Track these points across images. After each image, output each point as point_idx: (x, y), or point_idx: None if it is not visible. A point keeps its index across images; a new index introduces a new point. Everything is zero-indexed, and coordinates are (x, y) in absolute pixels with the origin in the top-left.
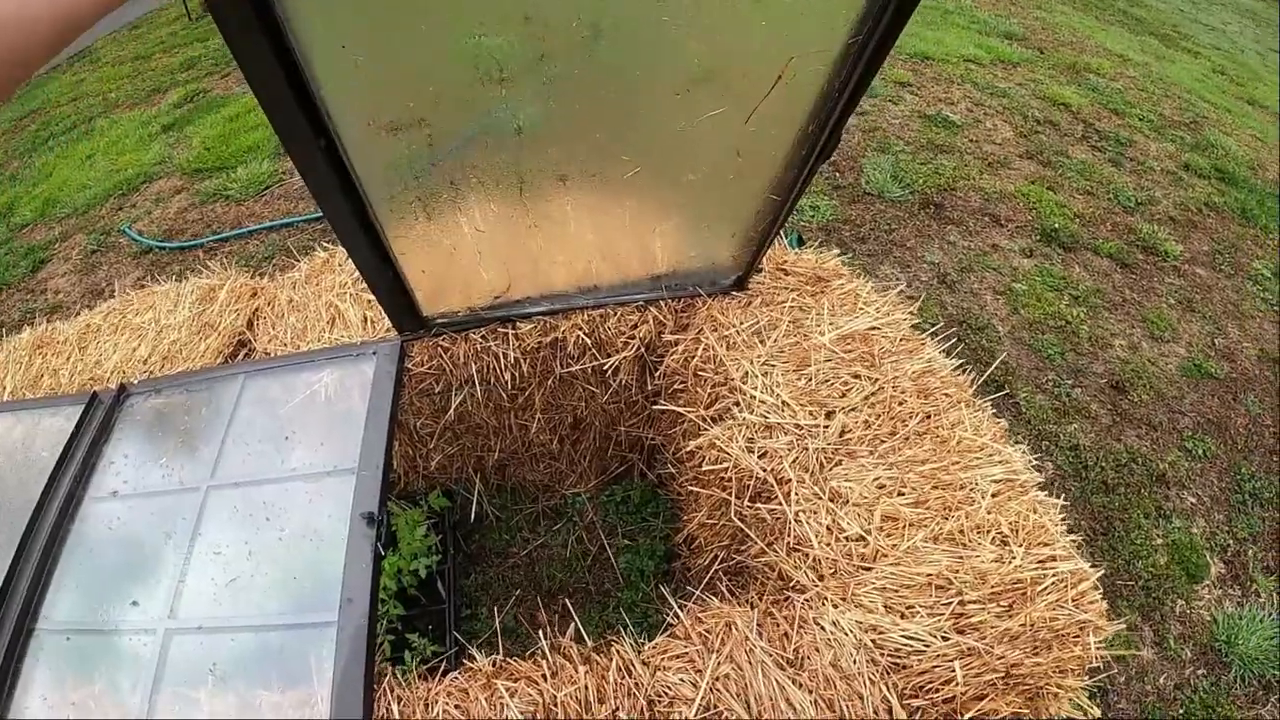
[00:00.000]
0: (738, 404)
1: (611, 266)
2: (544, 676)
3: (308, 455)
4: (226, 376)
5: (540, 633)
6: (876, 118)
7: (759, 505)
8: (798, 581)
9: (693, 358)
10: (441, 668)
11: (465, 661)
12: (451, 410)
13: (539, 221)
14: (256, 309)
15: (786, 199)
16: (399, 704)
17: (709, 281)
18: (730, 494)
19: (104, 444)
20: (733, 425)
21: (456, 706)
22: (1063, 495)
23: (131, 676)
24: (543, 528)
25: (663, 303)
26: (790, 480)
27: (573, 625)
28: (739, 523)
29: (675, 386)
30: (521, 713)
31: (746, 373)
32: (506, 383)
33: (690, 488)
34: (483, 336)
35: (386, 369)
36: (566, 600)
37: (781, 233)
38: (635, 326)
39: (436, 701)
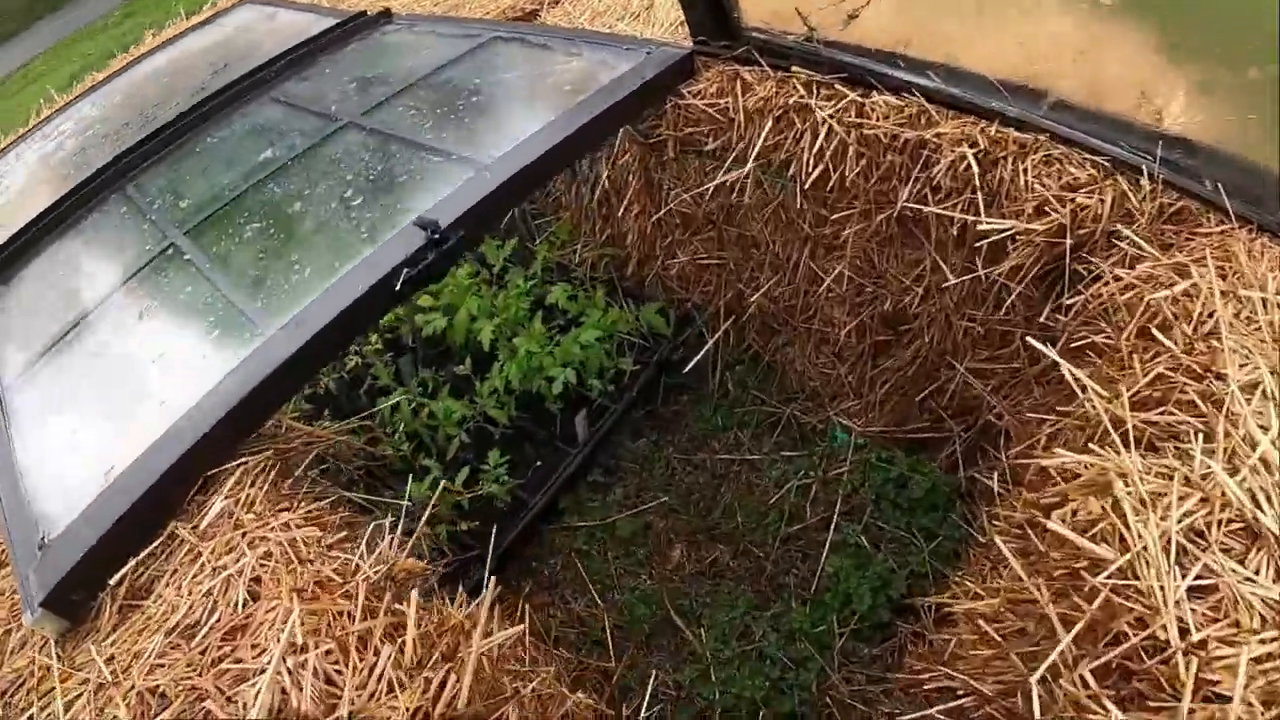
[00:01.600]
0: (1204, 428)
1: (1083, 75)
2: None
3: (460, 133)
4: (475, 34)
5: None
6: None
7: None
8: None
9: (1155, 308)
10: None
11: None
12: (714, 189)
13: None
14: None
15: None
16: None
17: (1254, 195)
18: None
19: (325, 54)
20: (1169, 471)
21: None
22: None
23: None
24: (767, 443)
25: (1146, 179)
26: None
27: None
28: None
29: (1094, 338)
30: None
31: (1253, 379)
32: (810, 180)
33: (1004, 540)
34: (808, 86)
35: (642, 74)
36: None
37: None
38: (1073, 190)
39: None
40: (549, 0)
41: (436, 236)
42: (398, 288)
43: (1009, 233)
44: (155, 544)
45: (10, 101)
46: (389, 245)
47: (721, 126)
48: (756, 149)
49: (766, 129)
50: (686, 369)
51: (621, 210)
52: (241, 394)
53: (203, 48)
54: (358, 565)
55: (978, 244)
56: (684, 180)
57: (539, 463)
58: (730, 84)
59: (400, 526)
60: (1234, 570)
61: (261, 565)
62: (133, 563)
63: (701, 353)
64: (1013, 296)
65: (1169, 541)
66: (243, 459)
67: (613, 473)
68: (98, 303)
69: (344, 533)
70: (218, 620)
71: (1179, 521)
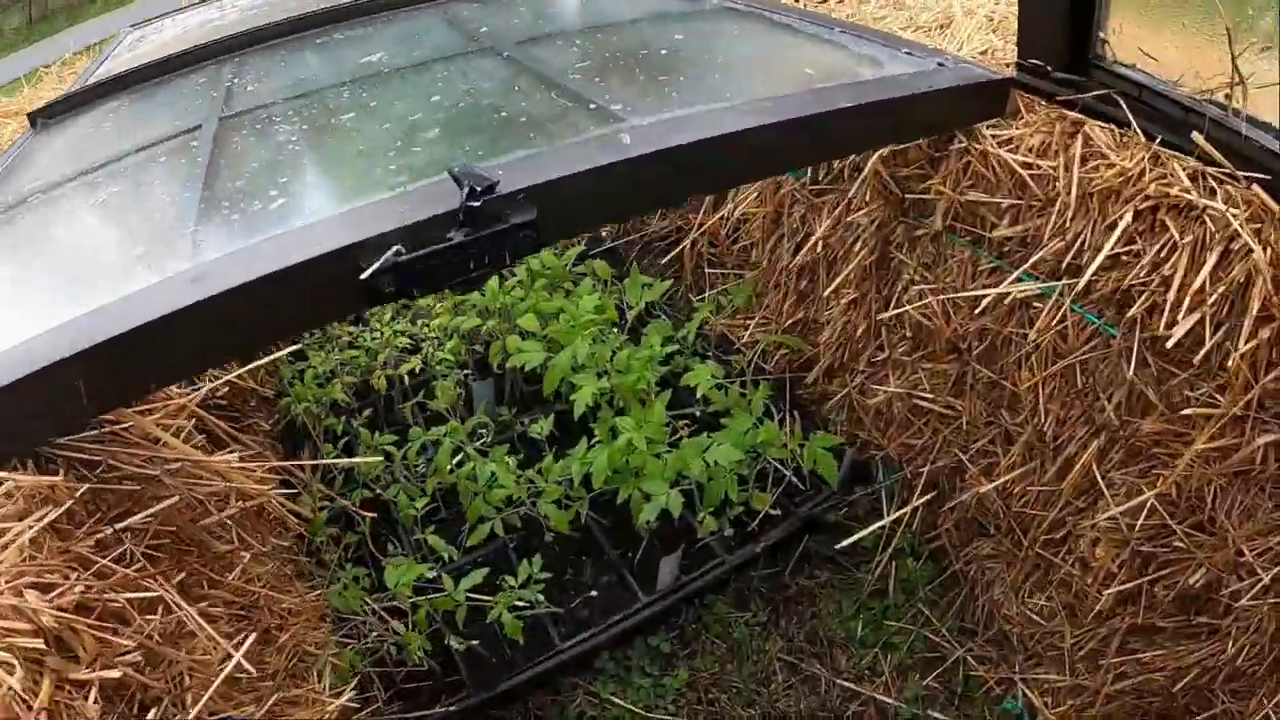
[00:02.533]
0: None
1: None
2: None
3: (629, 90)
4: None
5: None
6: None
7: None
8: None
9: None
10: None
11: None
12: (988, 303)
13: None
14: None
15: None
16: None
17: None
18: None
19: None
20: None
21: None
22: None
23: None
24: (914, 684)
25: None
26: None
27: None
28: None
29: None
30: None
31: None
32: (1174, 335)
33: None
34: (1196, 178)
35: (931, 81)
36: None
37: None
38: None
39: None
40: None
41: (478, 204)
42: (365, 275)
43: None
44: None
45: None
46: (388, 205)
47: (1031, 202)
48: (1092, 258)
49: (1119, 229)
50: (844, 543)
51: (829, 290)
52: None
53: None
54: None
55: None
56: (938, 272)
57: (594, 592)
58: (1064, 140)
59: None
60: None
61: None
62: None
63: (872, 528)
64: None
65: None
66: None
67: (687, 643)
68: (84, 170)
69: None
70: None
71: None
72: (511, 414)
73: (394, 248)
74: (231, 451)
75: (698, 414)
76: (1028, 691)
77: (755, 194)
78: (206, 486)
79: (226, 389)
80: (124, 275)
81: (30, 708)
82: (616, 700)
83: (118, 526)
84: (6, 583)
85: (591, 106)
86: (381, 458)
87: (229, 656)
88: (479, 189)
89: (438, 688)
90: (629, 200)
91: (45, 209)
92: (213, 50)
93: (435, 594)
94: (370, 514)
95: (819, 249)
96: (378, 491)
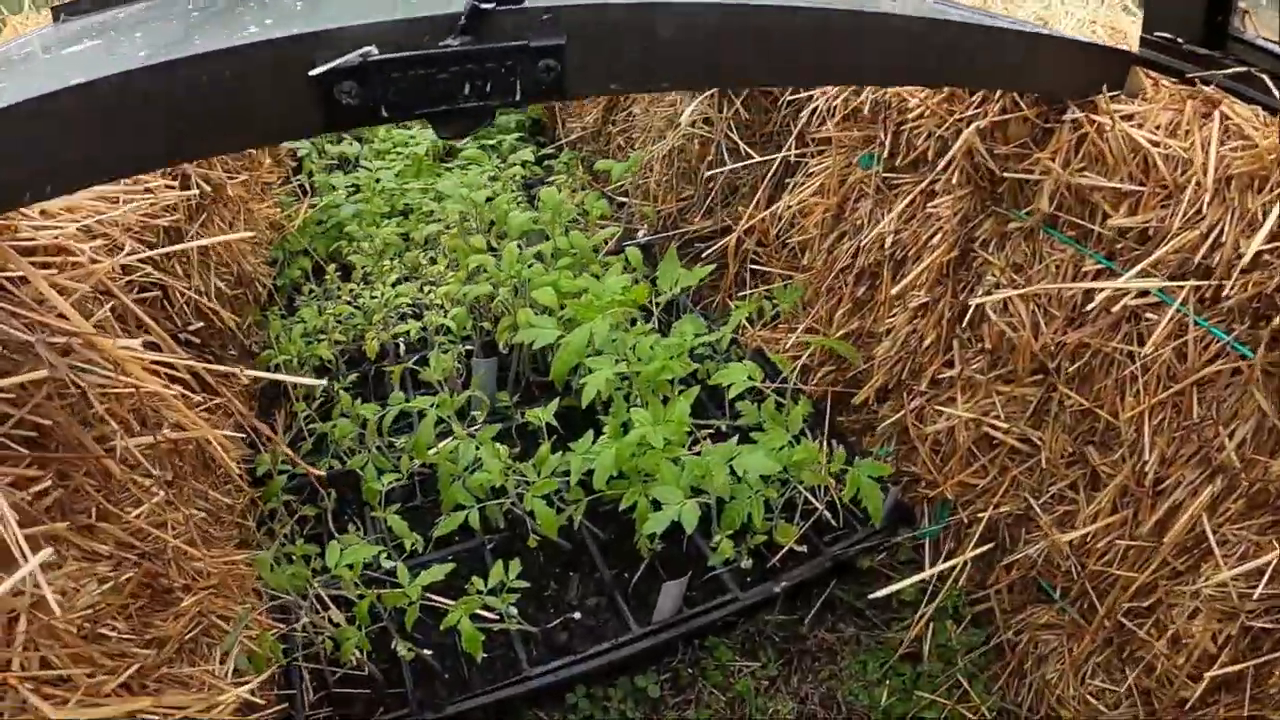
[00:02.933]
0: None
1: None
2: None
3: None
4: None
5: None
6: None
7: None
8: None
9: None
10: None
11: None
12: (1096, 308)
13: None
14: None
15: None
16: None
17: None
18: None
19: None
20: None
21: None
22: None
23: None
24: None
25: None
26: None
27: None
28: None
29: None
30: None
31: None
32: None
33: None
34: None
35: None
36: None
37: None
38: None
39: None
40: None
41: (490, 5)
42: (316, 71)
43: None
44: None
45: None
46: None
47: (1156, 188)
48: (1228, 257)
49: (1268, 223)
50: (877, 594)
51: (895, 290)
52: None
53: None
54: None
55: None
56: (1030, 274)
57: (578, 614)
58: (1198, 119)
59: None
60: None
61: None
62: None
63: (912, 579)
64: None
65: None
66: None
67: (681, 689)
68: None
69: None
70: None
71: None
72: (513, 401)
73: (366, 48)
74: (145, 343)
75: (724, 427)
76: None
77: (816, 185)
78: (100, 380)
79: (201, 325)
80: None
81: None
82: None
83: None
84: None
85: None
86: (345, 420)
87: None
88: None
89: (376, 698)
90: (687, 60)
91: (43, 58)
92: None
93: (388, 587)
94: (331, 489)
95: (886, 245)
96: (346, 463)
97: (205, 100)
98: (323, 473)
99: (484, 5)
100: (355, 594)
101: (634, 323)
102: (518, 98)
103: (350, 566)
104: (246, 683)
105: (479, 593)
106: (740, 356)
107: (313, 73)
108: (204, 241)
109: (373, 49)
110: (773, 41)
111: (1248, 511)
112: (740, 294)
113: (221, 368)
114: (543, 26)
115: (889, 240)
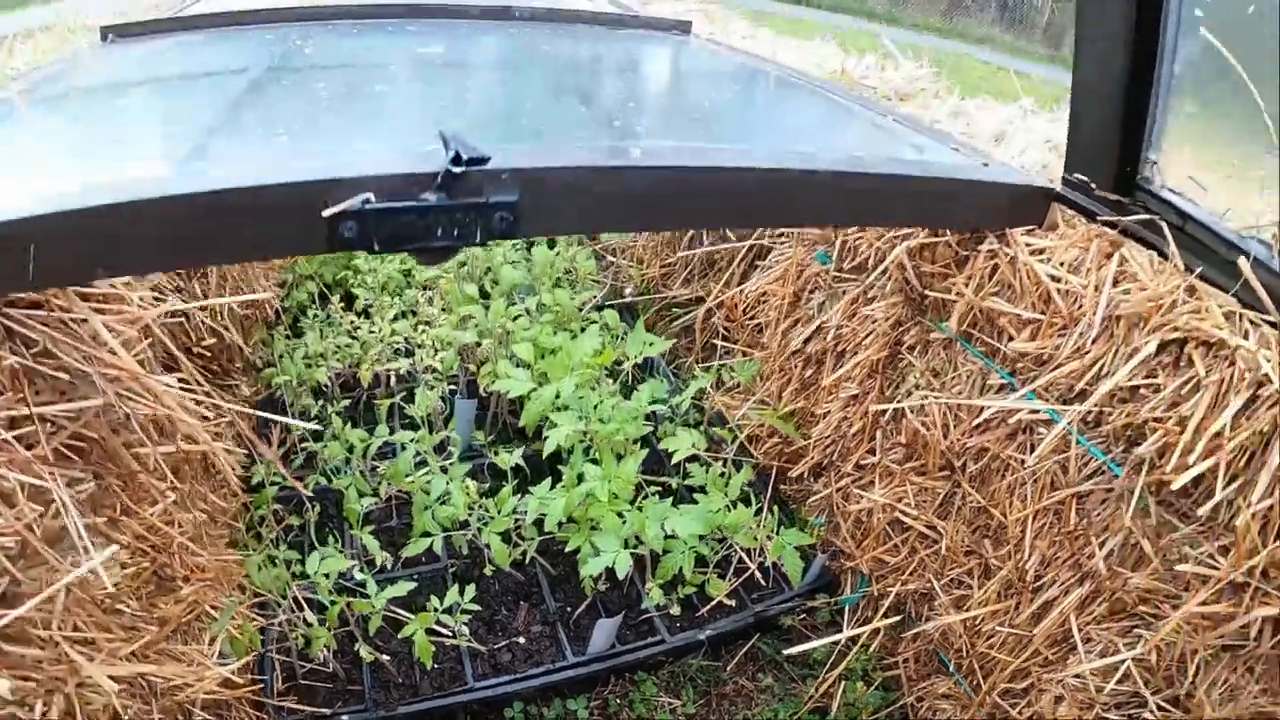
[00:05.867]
0: None
1: None
2: None
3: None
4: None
5: None
6: None
7: None
8: None
9: None
10: None
11: None
12: (990, 419)
13: None
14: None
15: None
16: None
17: None
18: None
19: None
20: None
21: None
22: None
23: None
24: None
25: None
26: None
27: None
28: None
29: None
30: None
31: None
32: (1179, 478)
33: None
34: (1232, 318)
35: (974, 173)
36: None
37: None
38: None
39: None
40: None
41: (459, 170)
42: (327, 213)
43: None
44: None
45: None
46: (373, 152)
47: (1054, 319)
48: (1104, 384)
49: (1140, 356)
50: (794, 649)
51: (830, 379)
52: None
53: None
54: None
55: None
56: (945, 380)
57: (521, 639)
58: (1099, 259)
59: None
60: None
61: None
62: None
63: (825, 640)
64: None
65: None
66: None
67: (607, 716)
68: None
69: None
70: None
71: None
72: (487, 440)
73: (365, 195)
74: (178, 378)
75: (674, 485)
76: None
77: (779, 273)
78: (140, 407)
79: (213, 341)
80: (108, 162)
81: None
82: None
83: (36, 410)
84: None
85: (615, 124)
86: (336, 442)
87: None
88: (465, 156)
89: (336, 691)
90: (619, 211)
91: (88, 99)
92: (286, 15)
93: (357, 596)
94: (316, 503)
95: (829, 337)
96: (332, 481)
97: (236, 226)
98: (310, 493)
99: (455, 170)
100: (328, 599)
101: (599, 381)
102: (478, 240)
103: (327, 575)
104: (228, 665)
105: (436, 610)
106: (697, 422)
107: (325, 214)
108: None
109: (371, 196)
110: (703, 197)
111: (1109, 615)
112: (707, 362)
113: (233, 406)
114: (501, 185)
115: (832, 333)
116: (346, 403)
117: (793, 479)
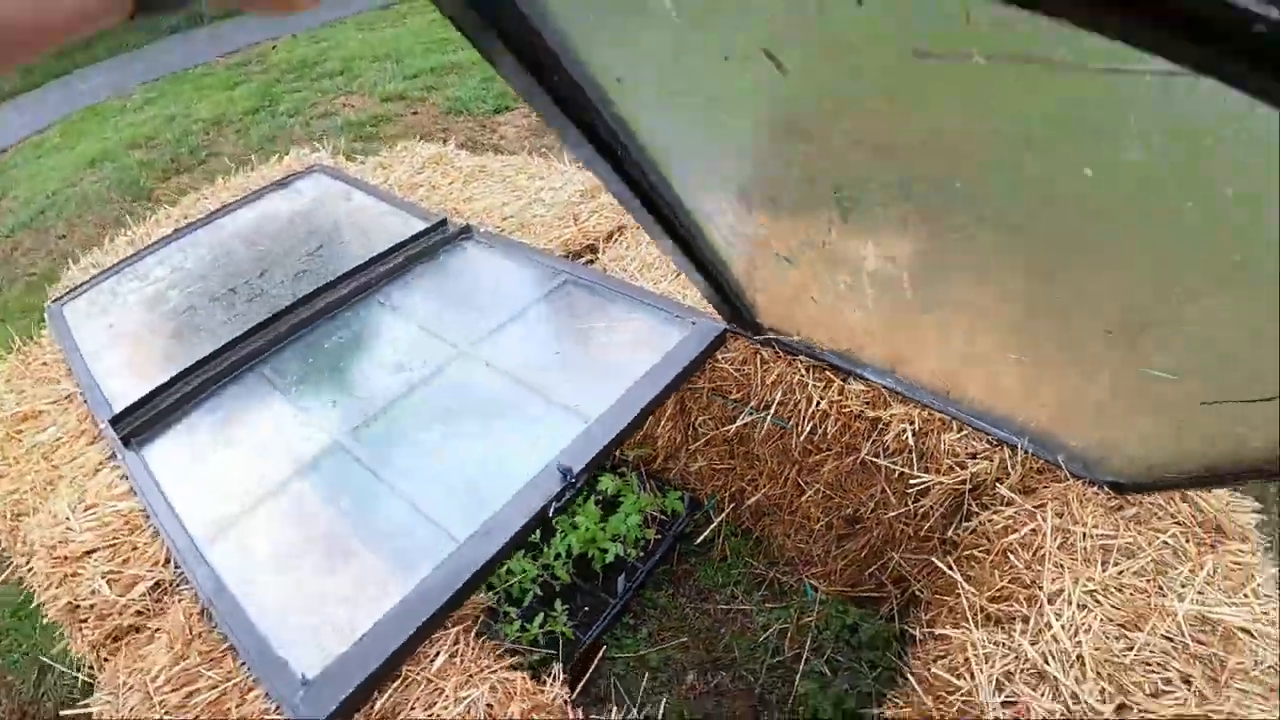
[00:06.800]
0: (1025, 620)
1: (982, 386)
2: None
3: (565, 382)
4: (552, 269)
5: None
6: None
7: None
8: None
9: (1013, 531)
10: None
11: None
12: (735, 426)
13: (925, 302)
14: (623, 225)
15: None
16: (444, 656)
17: (1081, 462)
18: None
19: (419, 262)
20: (1000, 644)
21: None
22: None
23: (281, 459)
24: (756, 596)
25: (1019, 449)
26: None
27: None
28: None
29: (975, 551)
30: None
31: (1063, 591)
32: (804, 433)
33: (917, 672)
34: (807, 370)
35: (693, 346)
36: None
37: None
38: (973, 456)
39: (476, 687)
40: (604, 238)
41: (572, 481)
42: (550, 515)
43: (929, 483)
44: (394, 684)
45: (24, 170)
46: (540, 481)
47: (743, 385)
48: (770, 405)
49: (779, 396)
50: (697, 541)
51: (659, 425)
52: (456, 585)
53: (287, 217)
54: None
55: (909, 488)
56: (710, 413)
57: (586, 608)
58: (753, 358)
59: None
60: (1030, 694)
61: (491, 693)
62: (381, 697)
63: (709, 529)
64: (932, 520)
65: (992, 683)
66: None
67: (640, 617)
68: (278, 487)
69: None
70: None
71: (1001, 672)
72: None
73: (553, 504)
74: None
75: (605, 498)
76: (810, 581)
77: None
78: None
79: None
80: (427, 551)
81: None
82: (618, 654)
83: None
84: None
85: (560, 407)
86: None
87: None
88: (567, 473)
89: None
90: (604, 457)
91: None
92: (239, 362)
93: None
94: None
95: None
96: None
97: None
98: None
99: (571, 481)
100: None
101: None
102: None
103: None
104: None
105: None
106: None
107: (550, 515)
108: None
109: (555, 502)
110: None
111: (809, 475)
112: None
113: None
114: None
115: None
116: None
117: (657, 467)
